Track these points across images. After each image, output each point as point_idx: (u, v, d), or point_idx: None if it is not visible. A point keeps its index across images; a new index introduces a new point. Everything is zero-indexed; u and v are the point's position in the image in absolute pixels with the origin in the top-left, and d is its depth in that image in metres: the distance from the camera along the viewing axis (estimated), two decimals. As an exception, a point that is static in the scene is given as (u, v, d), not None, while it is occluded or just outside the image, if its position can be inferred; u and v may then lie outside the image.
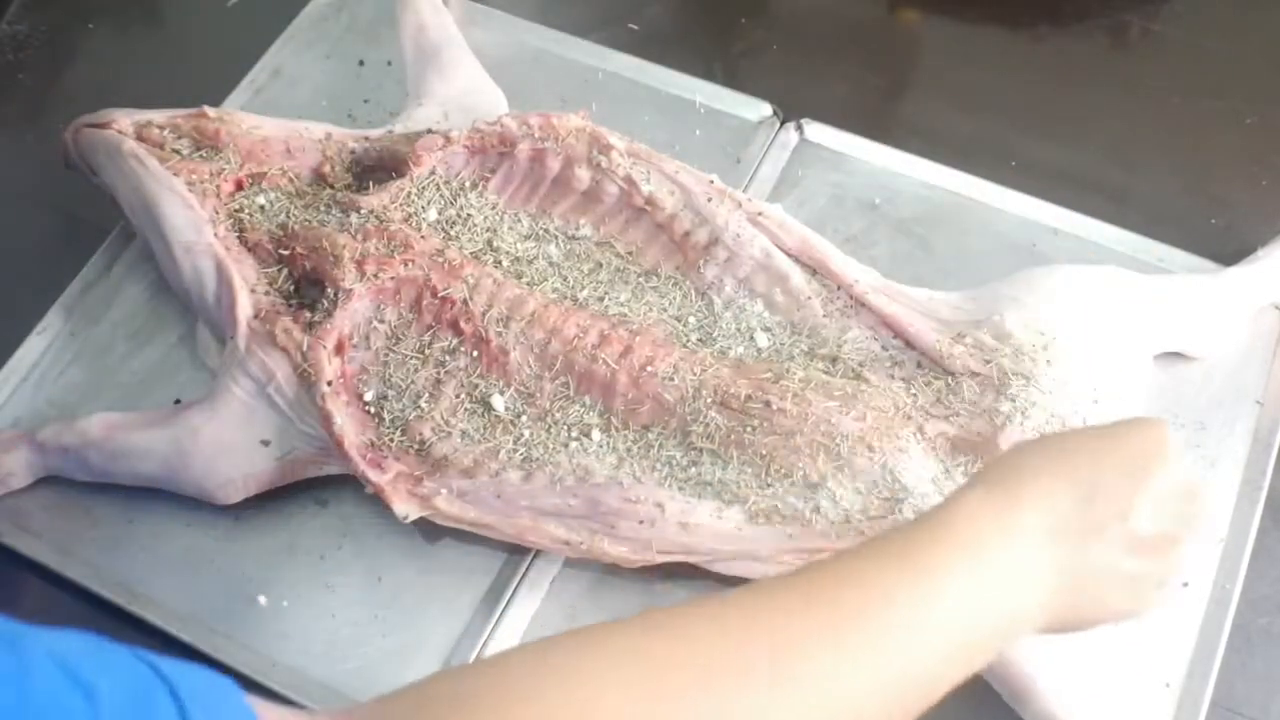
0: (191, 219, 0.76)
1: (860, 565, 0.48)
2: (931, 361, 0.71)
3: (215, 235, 0.76)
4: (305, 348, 0.71)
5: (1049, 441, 0.53)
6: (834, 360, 0.71)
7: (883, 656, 0.45)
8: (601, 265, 0.76)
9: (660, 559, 0.67)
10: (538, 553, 0.71)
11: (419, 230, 0.75)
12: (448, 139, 0.78)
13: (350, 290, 0.72)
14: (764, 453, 0.67)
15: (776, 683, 0.43)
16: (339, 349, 0.72)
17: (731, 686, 0.43)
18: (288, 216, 0.77)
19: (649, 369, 0.69)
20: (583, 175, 0.77)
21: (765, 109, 0.89)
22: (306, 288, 0.76)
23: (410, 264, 0.73)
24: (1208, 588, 0.69)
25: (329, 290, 0.73)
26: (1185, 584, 0.69)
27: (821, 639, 0.45)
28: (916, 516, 0.52)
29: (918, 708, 0.46)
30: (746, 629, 0.45)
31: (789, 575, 0.48)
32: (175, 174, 0.77)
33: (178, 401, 0.78)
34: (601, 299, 0.75)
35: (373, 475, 0.69)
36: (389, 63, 0.94)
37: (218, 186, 0.78)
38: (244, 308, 0.73)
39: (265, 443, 0.72)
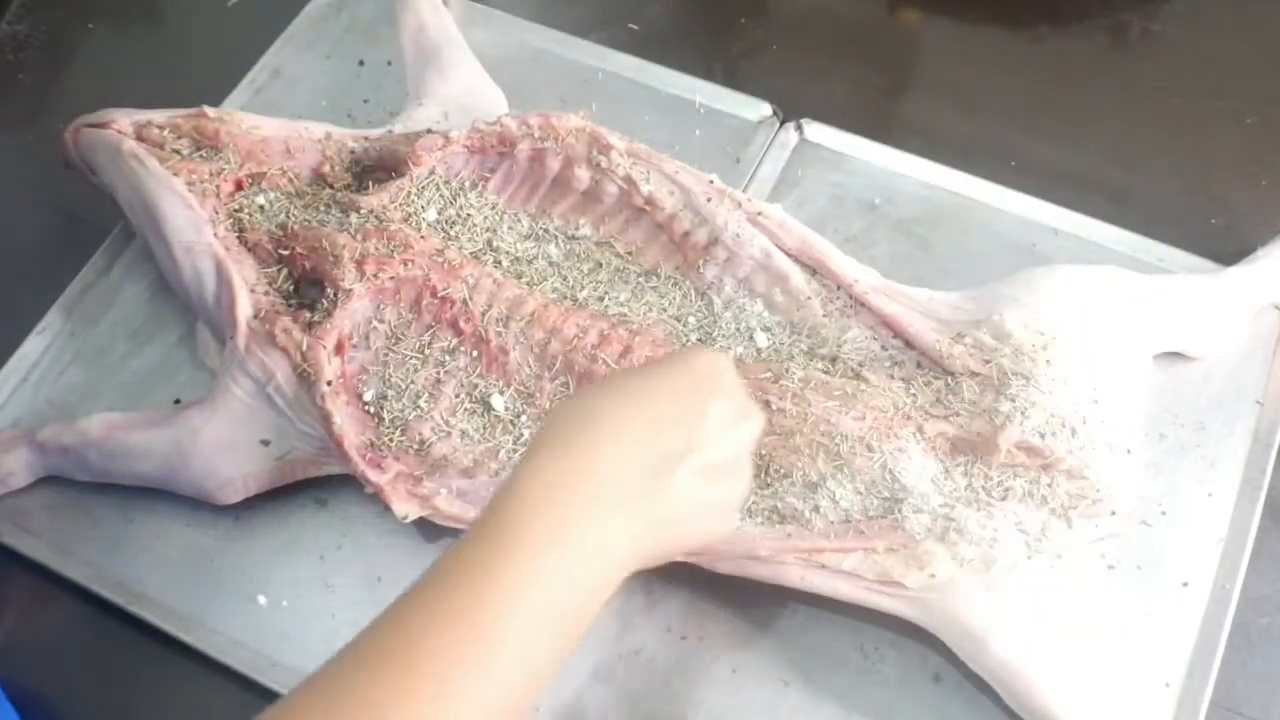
0: (191, 219, 0.76)
1: (454, 570, 0.47)
2: (931, 361, 0.71)
3: (215, 235, 0.76)
4: (305, 348, 0.71)
5: (603, 391, 0.53)
6: (834, 360, 0.71)
7: (494, 664, 0.45)
8: (601, 265, 0.76)
9: (660, 559, 0.67)
10: (537, 553, 0.71)
11: (419, 230, 0.75)
12: (447, 139, 0.78)
13: (350, 290, 0.73)
14: (763, 452, 0.67)
15: None
16: (339, 349, 0.72)
17: None
18: (287, 216, 0.77)
19: (649, 369, 0.69)
20: (582, 175, 0.77)
21: (765, 109, 0.89)
22: (306, 288, 0.76)
23: (410, 264, 0.73)
24: (1208, 588, 0.69)
25: (329, 290, 0.73)
26: (1185, 584, 0.69)
27: (429, 697, 0.44)
28: (492, 505, 0.49)
29: (533, 696, 0.47)
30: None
31: (383, 630, 0.47)
32: (175, 174, 0.77)
33: (178, 401, 0.78)
34: (601, 299, 0.75)
35: (372, 475, 0.69)
36: (389, 63, 0.94)
37: (217, 186, 0.78)
38: (244, 308, 0.73)
39: (265, 443, 0.72)
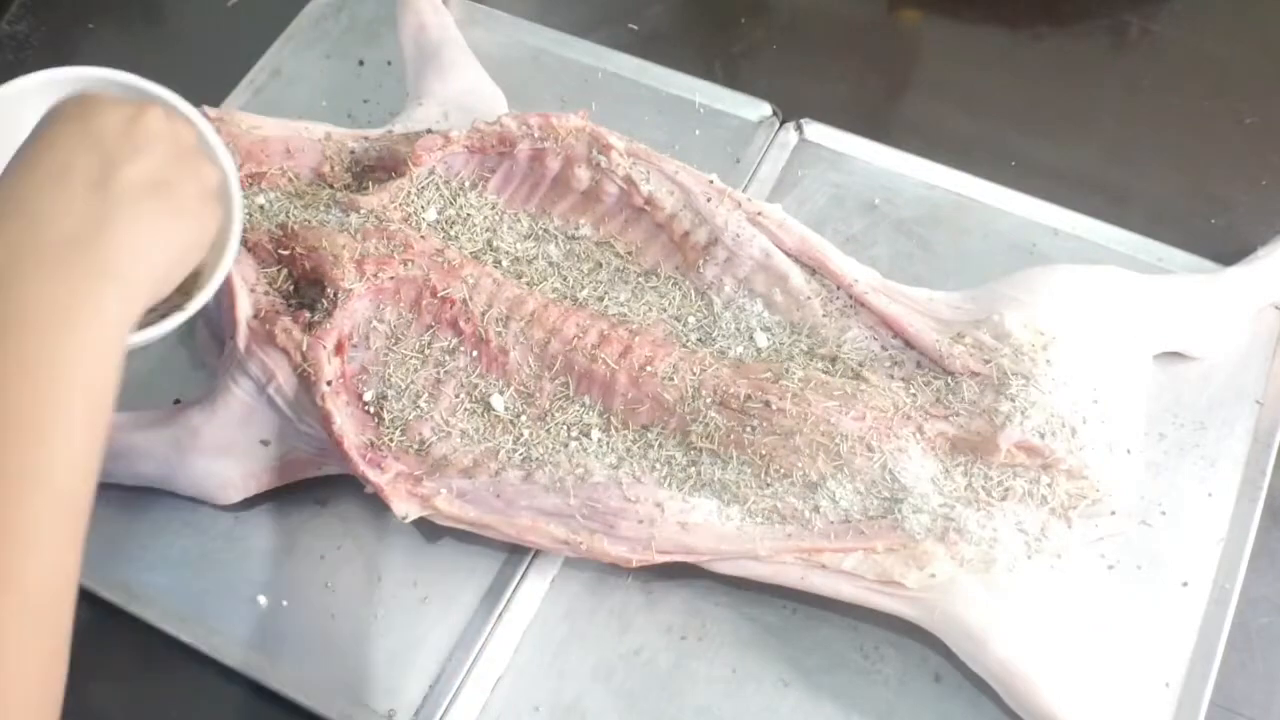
0: (191, 219, 0.76)
1: None
2: (931, 361, 0.71)
3: (215, 235, 0.76)
4: (305, 348, 0.71)
5: (5, 175, 0.50)
6: (833, 360, 0.71)
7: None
8: (601, 265, 0.76)
9: (660, 559, 0.67)
10: (538, 553, 0.71)
11: (418, 230, 0.75)
12: (447, 139, 0.78)
13: (350, 290, 0.72)
14: (763, 453, 0.67)
15: None
16: (339, 349, 0.72)
17: None
18: (287, 216, 0.77)
19: (648, 369, 0.69)
20: (582, 175, 0.77)
21: (765, 109, 0.89)
22: (306, 288, 0.76)
23: (410, 264, 0.73)
24: (1208, 588, 0.69)
25: (329, 290, 0.73)
26: (1185, 584, 0.69)
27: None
28: None
29: (83, 509, 0.47)
30: None
31: None
32: (175, 174, 0.77)
33: (177, 401, 0.78)
34: (601, 299, 0.75)
35: (372, 475, 0.69)
36: (389, 63, 0.94)
37: (217, 186, 0.78)
38: (244, 308, 0.73)
39: (265, 443, 0.72)
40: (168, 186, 0.51)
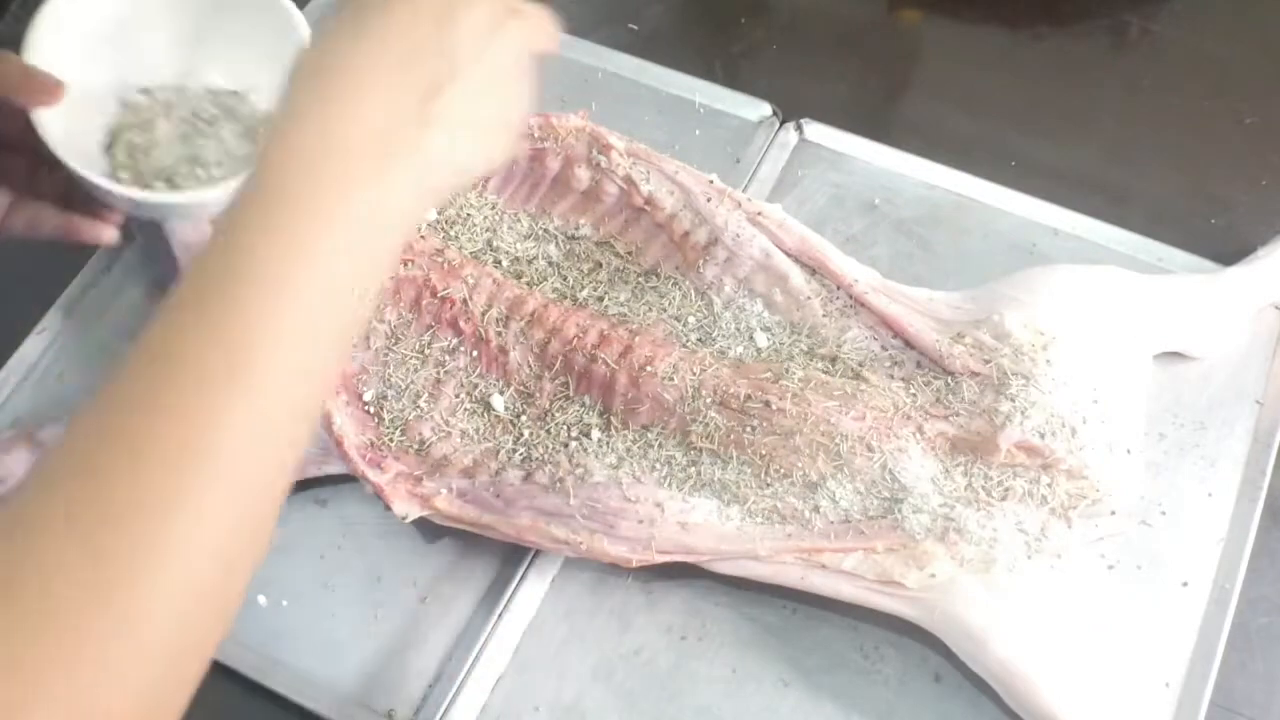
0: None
1: (183, 311, 0.41)
2: (931, 361, 0.71)
3: (215, 235, 0.76)
4: (305, 348, 0.71)
5: (341, 34, 0.47)
6: (833, 360, 0.71)
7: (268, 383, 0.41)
8: (601, 265, 0.76)
9: (660, 559, 0.67)
10: (538, 553, 0.71)
11: (418, 230, 0.75)
12: (447, 139, 0.78)
13: (350, 290, 0.72)
14: (763, 453, 0.67)
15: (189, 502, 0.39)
16: (339, 349, 0.72)
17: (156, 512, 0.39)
18: (287, 216, 0.77)
19: (648, 369, 0.69)
20: (582, 175, 0.77)
21: (765, 109, 0.89)
22: (306, 288, 0.76)
23: (410, 264, 0.73)
24: (1208, 588, 0.69)
25: (329, 290, 0.73)
26: (1185, 584, 0.69)
27: (227, 419, 0.40)
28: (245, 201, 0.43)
29: (325, 390, 0.45)
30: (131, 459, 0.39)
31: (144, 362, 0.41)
32: (175, 174, 0.77)
33: (178, 401, 0.78)
34: (601, 299, 0.75)
35: (372, 475, 0.69)
36: (389, 63, 0.94)
37: (218, 186, 0.78)
38: (244, 308, 0.73)
39: (265, 443, 0.71)
40: (490, 113, 0.49)
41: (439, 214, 0.77)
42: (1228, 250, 0.80)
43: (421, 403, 0.71)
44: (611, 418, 0.70)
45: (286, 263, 0.42)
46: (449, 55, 0.47)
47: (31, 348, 0.82)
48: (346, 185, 0.44)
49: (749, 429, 0.68)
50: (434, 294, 0.73)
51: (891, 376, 0.71)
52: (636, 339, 0.71)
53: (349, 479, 0.71)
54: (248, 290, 0.41)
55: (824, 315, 0.73)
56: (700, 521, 0.67)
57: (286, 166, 0.43)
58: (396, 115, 0.45)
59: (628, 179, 0.76)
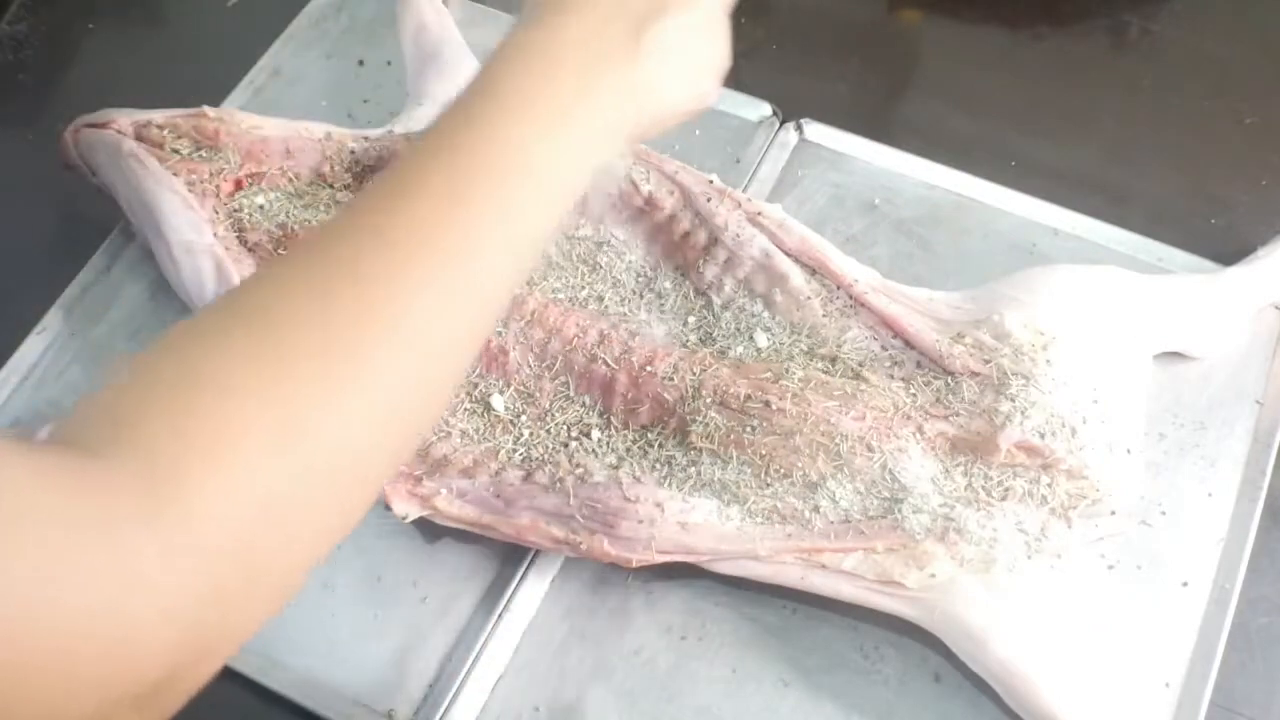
0: (191, 219, 0.76)
1: (422, 156, 0.47)
2: (931, 361, 0.71)
3: (215, 235, 0.76)
4: (305, 348, 0.71)
5: None
6: (833, 360, 0.71)
7: (494, 231, 0.46)
8: (601, 265, 0.76)
9: (660, 559, 0.67)
10: (538, 553, 0.71)
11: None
12: (447, 139, 0.78)
13: (350, 290, 0.72)
14: (763, 453, 0.67)
15: (388, 334, 0.42)
16: (339, 349, 0.72)
17: (351, 345, 0.42)
18: (287, 216, 0.77)
19: (648, 369, 0.69)
20: (582, 175, 0.77)
21: (765, 109, 0.89)
22: (306, 288, 0.76)
23: (410, 264, 0.73)
24: (1208, 588, 0.69)
25: (329, 290, 0.73)
26: (1185, 584, 0.69)
27: (425, 273, 0.44)
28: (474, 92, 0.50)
29: (525, 269, 0.49)
30: (355, 282, 0.43)
31: (367, 208, 0.46)
32: (175, 174, 0.77)
33: (178, 401, 0.78)
34: (601, 299, 0.75)
35: (372, 475, 0.69)
36: (389, 63, 0.94)
37: (217, 186, 0.78)
38: (244, 308, 0.73)
39: (265, 443, 0.71)
40: (695, 52, 0.54)
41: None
42: (1228, 250, 0.80)
43: (421, 403, 0.71)
44: (611, 418, 0.70)
45: (494, 152, 0.47)
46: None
47: (31, 348, 0.82)
48: (559, 86, 0.49)
49: (749, 429, 0.68)
50: (434, 294, 0.73)
51: (891, 376, 0.71)
52: (636, 339, 0.71)
53: (349, 479, 0.71)
54: (463, 164, 0.46)
55: (824, 315, 0.73)
56: (700, 521, 0.67)
57: (512, 67, 0.49)
58: (611, 37, 0.51)
59: (628, 179, 0.76)
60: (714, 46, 0.56)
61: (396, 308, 0.43)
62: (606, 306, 0.74)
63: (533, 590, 0.71)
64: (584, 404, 0.71)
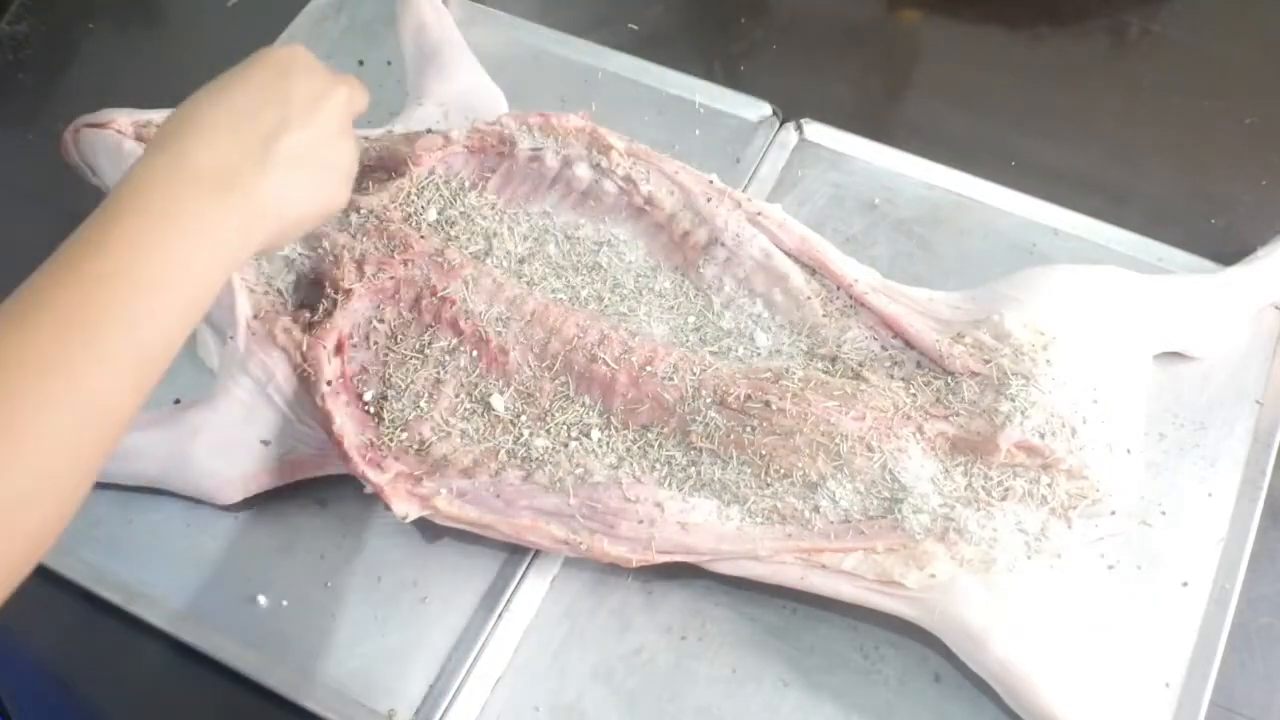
0: (191, 219, 0.76)
1: (46, 281, 0.50)
2: (931, 361, 0.71)
3: (215, 235, 0.76)
4: (305, 347, 0.71)
5: (195, 97, 0.57)
6: (833, 360, 0.71)
7: (109, 347, 0.49)
8: (601, 265, 0.76)
9: (660, 559, 0.67)
10: (538, 553, 0.71)
11: (419, 230, 0.75)
12: (448, 139, 0.78)
13: (350, 290, 0.73)
14: (763, 452, 0.67)
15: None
16: (338, 349, 0.72)
17: None
18: (287, 216, 0.77)
19: (648, 369, 0.69)
20: (582, 175, 0.77)
21: (765, 109, 0.89)
22: (306, 287, 0.76)
23: (410, 264, 0.73)
24: (1208, 588, 0.69)
25: (329, 290, 0.73)
26: (1185, 584, 0.69)
27: (34, 380, 0.47)
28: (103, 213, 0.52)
29: (162, 370, 0.51)
30: None
31: None
32: (175, 174, 0.77)
33: (178, 401, 0.78)
34: (601, 299, 0.75)
35: (372, 475, 0.69)
36: (389, 63, 0.94)
37: (217, 186, 0.78)
38: (243, 307, 0.73)
39: (265, 443, 0.72)
40: (321, 161, 0.59)
41: (439, 214, 0.77)
42: (1228, 250, 0.80)
43: (422, 403, 0.71)
44: (611, 418, 0.70)
45: (122, 271, 0.50)
46: (286, 108, 0.57)
47: (31, 348, 0.82)
48: (174, 209, 0.52)
49: (749, 429, 0.68)
50: (434, 294, 0.73)
51: (891, 376, 0.71)
52: (636, 339, 0.71)
53: (349, 479, 0.71)
54: (95, 267, 0.50)
55: (824, 315, 0.73)
56: (700, 521, 0.67)
57: (141, 178, 0.53)
58: (239, 153, 0.55)
59: (628, 179, 0.76)
60: (339, 153, 0.60)
61: (16, 427, 0.45)
62: (606, 306, 0.74)
63: (533, 590, 0.71)
64: (584, 404, 0.71)
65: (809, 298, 0.73)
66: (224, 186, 0.53)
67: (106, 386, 0.48)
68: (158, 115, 0.81)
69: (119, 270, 0.50)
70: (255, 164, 0.55)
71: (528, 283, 0.75)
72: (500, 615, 0.70)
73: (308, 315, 0.73)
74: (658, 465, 0.69)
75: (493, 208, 0.78)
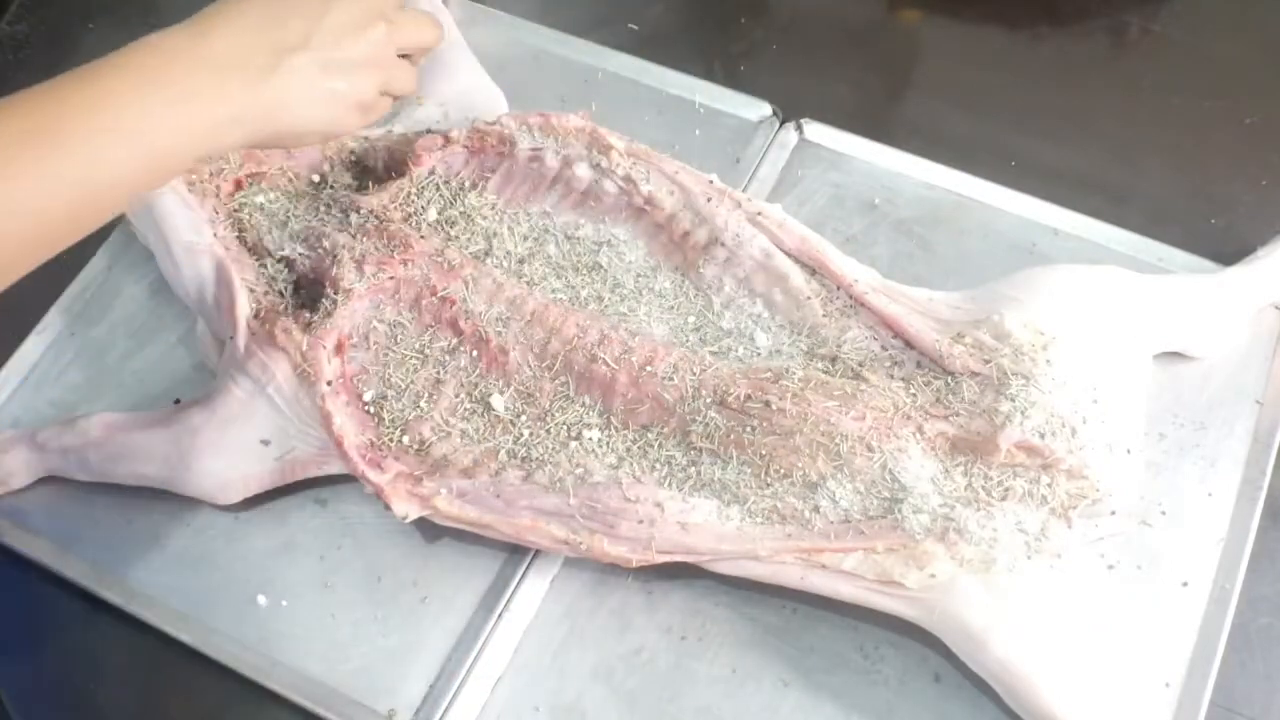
0: (191, 219, 0.76)
1: (45, 89, 0.53)
2: (931, 361, 0.71)
3: (215, 235, 0.76)
4: (305, 347, 0.71)
5: None
6: (833, 360, 0.71)
7: (61, 164, 0.52)
8: (601, 265, 0.76)
9: (660, 559, 0.67)
10: (538, 553, 0.71)
11: (419, 230, 0.75)
12: (448, 139, 0.78)
13: (350, 290, 0.73)
14: (763, 452, 0.67)
15: None
16: (338, 349, 0.72)
17: None
18: (288, 216, 0.77)
19: (648, 369, 0.69)
20: (582, 175, 0.77)
21: (765, 109, 0.89)
22: (306, 288, 0.76)
23: (410, 264, 0.73)
24: (1208, 588, 0.69)
25: (329, 290, 0.73)
26: (1185, 584, 0.69)
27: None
28: None
29: (107, 208, 0.55)
30: None
31: None
32: (175, 174, 0.77)
33: (178, 401, 0.78)
34: (601, 299, 0.75)
35: (372, 475, 0.69)
36: (389, 63, 0.94)
37: (217, 186, 0.78)
38: (243, 308, 0.73)
39: (265, 443, 0.72)
40: (331, 87, 0.61)
41: (439, 214, 0.77)
42: (1228, 250, 0.80)
43: (422, 403, 0.71)
44: (611, 418, 0.70)
45: (122, 87, 0.54)
46: (314, 25, 0.60)
47: (31, 348, 0.82)
48: (179, 74, 0.56)
49: (749, 429, 0.68)
50: (434, 294, 0.73)
51: (891, 376, 0.71)
52: (636, 339, 0.71)
53: (349, 479, 0.71)
54: (80, 95, 0.53)
55: (824, 315, 0.73)
56: (700, 521, 0.67)
57: (155, 39, 0.57)
58: (254, 52, 0.58)
59: (628, 179, 0.76)
60: (353, 84, 0.63)
61: None
62: (606, 306, 0.74)
63: (533, 590, 0.71)
64: (584, 404, 0.71)
65: (809, 298, 0.73)
66: (226, 71, 0.57)
67: (43, 201, 0.51)
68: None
69: (96, 104, 0.53)
70: (263, 67, 0.58)
71: (528, 283, 0.75)
72: (500, 615, 0.70)
73: (308, 315, 0.73)
74: (658, 465, 0.69)
75: (493, 208, 0.78)
